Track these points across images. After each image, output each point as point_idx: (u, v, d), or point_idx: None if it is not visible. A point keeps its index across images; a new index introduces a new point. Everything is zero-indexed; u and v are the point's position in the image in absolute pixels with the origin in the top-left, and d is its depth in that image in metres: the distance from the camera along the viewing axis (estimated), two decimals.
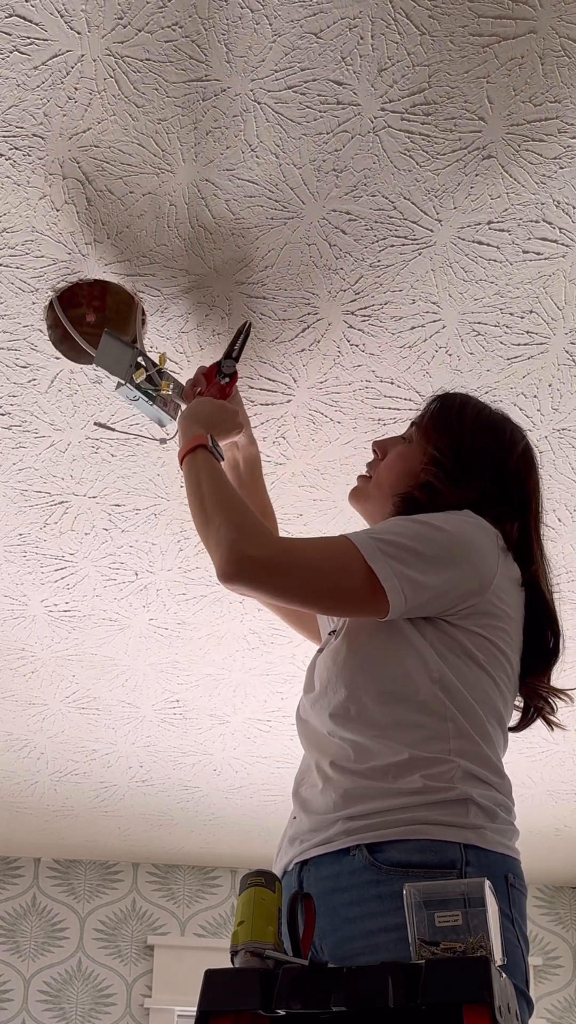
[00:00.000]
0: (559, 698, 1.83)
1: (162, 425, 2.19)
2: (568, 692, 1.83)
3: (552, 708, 1.83)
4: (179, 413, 2.14)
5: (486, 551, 1.73)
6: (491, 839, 1.59)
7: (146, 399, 2.10)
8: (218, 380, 2.16)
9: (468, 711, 1.66)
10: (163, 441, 2.27)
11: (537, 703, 1.82)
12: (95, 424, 2.47)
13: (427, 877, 1.51)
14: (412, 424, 1.97)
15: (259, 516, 1.88)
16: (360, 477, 2.01)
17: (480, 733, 1.66)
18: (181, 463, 1.95)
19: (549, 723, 1.84)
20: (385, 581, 1.64)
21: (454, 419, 1.90)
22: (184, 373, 2.34)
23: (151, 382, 2.10)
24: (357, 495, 2.00)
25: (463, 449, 1.86)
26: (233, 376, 2.16)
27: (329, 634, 1.92)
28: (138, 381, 2.08)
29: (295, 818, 1.73)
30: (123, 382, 2.08)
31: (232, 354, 2.15)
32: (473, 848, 1.57)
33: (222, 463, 1.98)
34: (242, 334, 2.16)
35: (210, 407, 2.05)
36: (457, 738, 1.64)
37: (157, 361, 2.13)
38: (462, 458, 1.85)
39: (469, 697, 1.67)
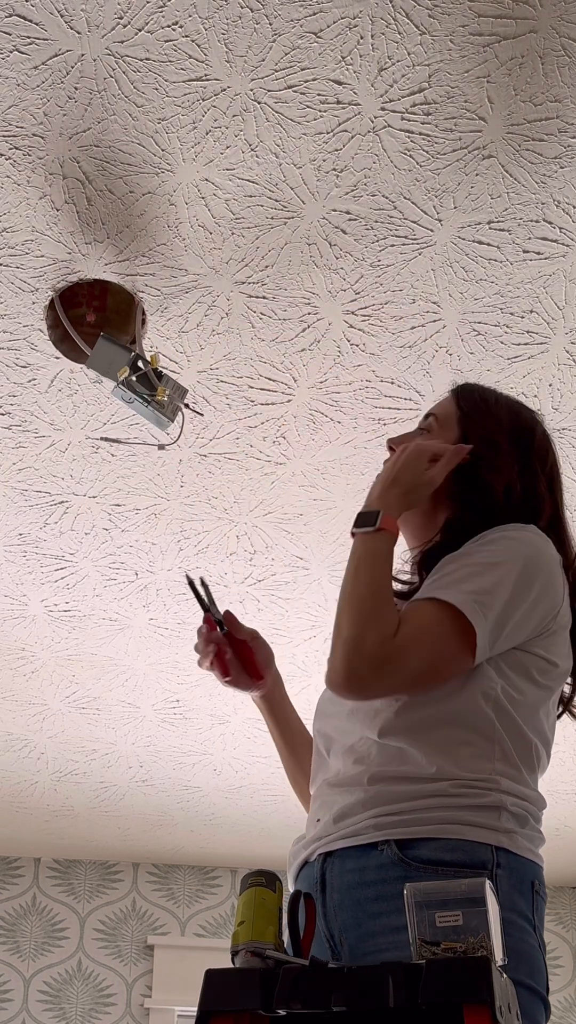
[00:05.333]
0: None
1: (160, 427, 2.18)
2: None
3: None
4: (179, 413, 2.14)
5: (556, 574, 1.70)
6: (521, 844, 1.59)
7: (141, 401, 2.09)
8: (221, 633, 1.92)
9: (516, 735, 1.64)
10: (162, 447, 2.26)
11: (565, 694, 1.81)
12: (101, 439, 2.47)
13: (458, 876, 1.50)
14: (428, 415, 1.88)
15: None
16: None
17: (524, 759, 1.64)
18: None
19: (572, 713, 1.83)
20: (480, 639, 1.60)
21: (479, 405, 1.86)
22: (183, 373, 2.34)
23: (147, 384, 2.09)
24: None
25: (494, 432, 1.82)
26: (230, 624, 1.92)
27: None
28: (122, 379, 2.06)
29: (319, 820, 1.70)
30: (117, 384, 2.08)
31: (207, 609, 1.88)
32: (504, 851, 1.56)
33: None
34: (200, 589, 1.88)
35: (411, 469, 1.79)
36: (501, 760, 1.62)
37: (150, 361, 2.12)
38: (495, 441, 1.81)
39: (519, 720, 1.64)
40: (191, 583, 1.90)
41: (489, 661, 1.66)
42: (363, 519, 1.73)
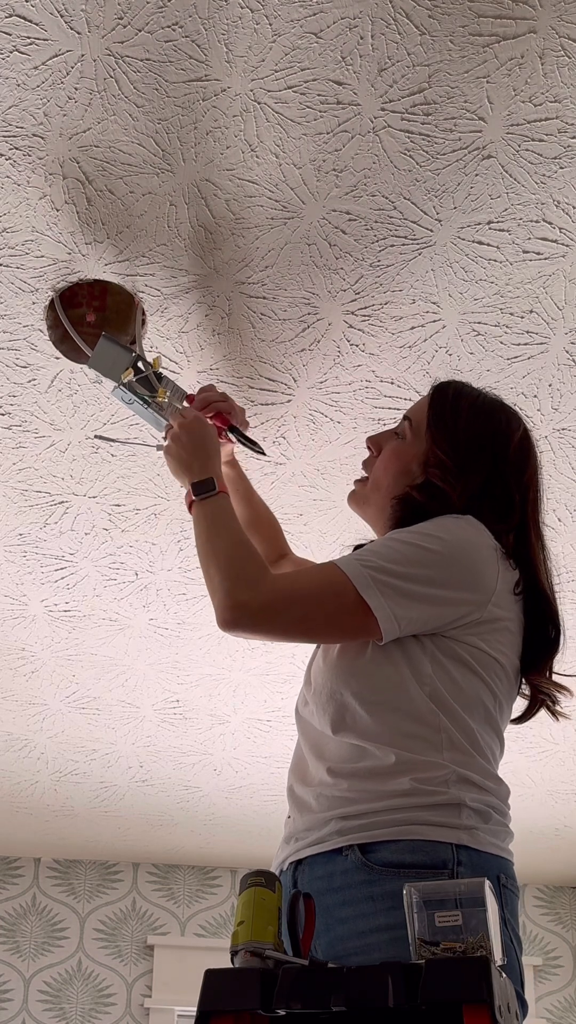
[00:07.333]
0: (560, 692, 1.82)
1: (159, 428, 2.18)
2: (567, 686, 1.82)
3: (554, 700, 1.82)
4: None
5: (487, 562, 1.71)
6: (484, 840, 1.59)
7: (141, 403, 2.09)
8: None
9: (460, 723, 1.65)
10: (160, 447, 2.25)
11: (539, 696, 1.81)
12: (95, 436, 2.47)
13: (419, 877, 1.51)
14: (404, 418, 1.92)
15: (253, 550, 1.82)
16: (357, 481, 1.97)
17: (473, 745, 1.65)
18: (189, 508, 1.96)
19: (554, 713, 1.83)
20: (378, 611, 1.64)
21: (448, 413, 1.85)
22: (183, 373, 2.34)
23: (147, 386, 2.09)
24: (356, 499, 1.95)
25: (460, 443, 1.81)
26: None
27: None
28: (126, 380, 2.06)
29: (290, 818, 1.73)
30: (117, 385, 2.08)
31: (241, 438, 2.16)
32: (465, 848, 1.57)
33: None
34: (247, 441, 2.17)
35: (188, 437, 2.03)
36: (450, 750, 1.63)
37: (152, 364, 2.12)
38: (459, 453, 1.81)
39: (460, 709, 1.66)
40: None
41: (424, 649, 1.68)
42: (202, 487, 1.92)
